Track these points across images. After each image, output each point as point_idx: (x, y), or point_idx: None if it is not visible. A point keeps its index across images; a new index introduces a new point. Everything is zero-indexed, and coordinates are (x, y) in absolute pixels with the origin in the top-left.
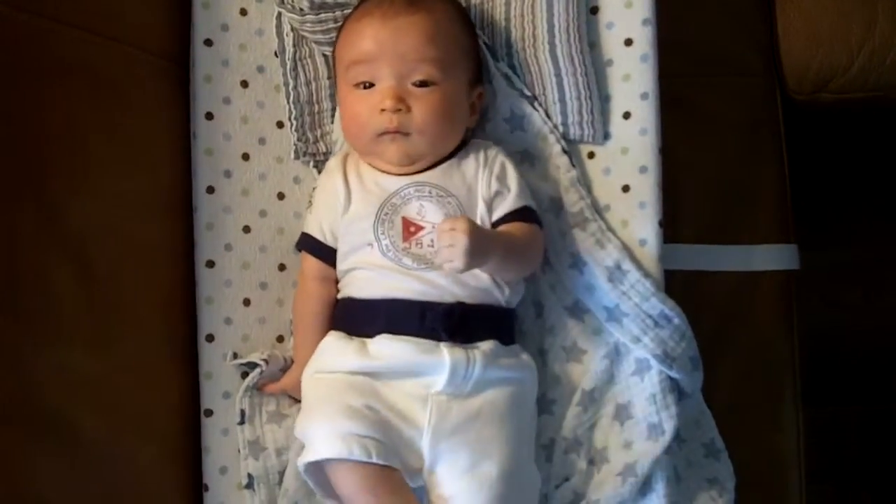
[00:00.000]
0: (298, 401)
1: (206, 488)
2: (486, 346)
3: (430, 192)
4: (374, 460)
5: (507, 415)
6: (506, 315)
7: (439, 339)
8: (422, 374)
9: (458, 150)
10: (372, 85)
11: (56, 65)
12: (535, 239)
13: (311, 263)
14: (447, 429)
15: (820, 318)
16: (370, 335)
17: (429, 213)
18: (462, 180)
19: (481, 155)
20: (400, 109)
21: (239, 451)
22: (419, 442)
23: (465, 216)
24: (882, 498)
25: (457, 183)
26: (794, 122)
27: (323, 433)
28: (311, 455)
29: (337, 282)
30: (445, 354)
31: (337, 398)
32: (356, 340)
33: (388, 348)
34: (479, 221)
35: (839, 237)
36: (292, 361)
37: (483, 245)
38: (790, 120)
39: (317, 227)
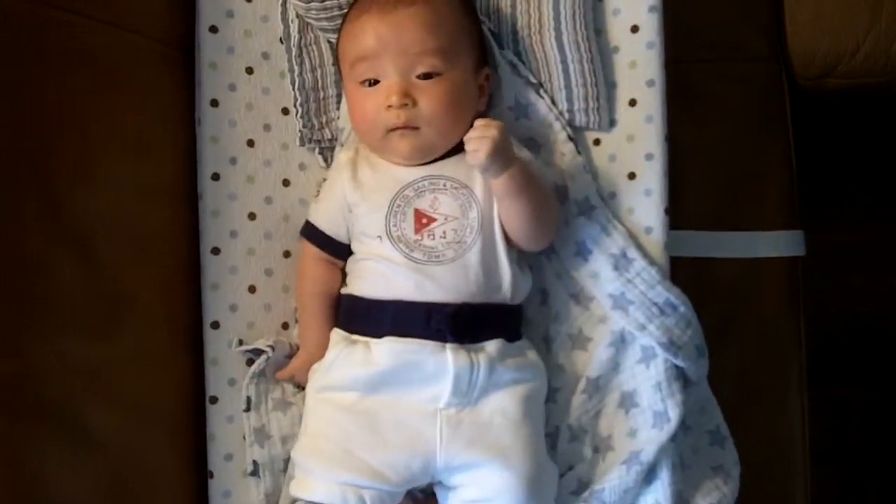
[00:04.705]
0: (304, 388)
1: (212, 475)
2: (492, 346)
3: (444, 185)
4: None
5: (521, 420)
6: (512, 312)
7: (445, 341)
8: (427, 383)
9: None
10: (377, 82)
11: (59, 53)
12: (555, 204)
13: (313, 251)
14: (461, 444)
15: (824, 301)
16: (375, 336)
17: (442, 206)
18: (477, 171)
19: None
20: (406, 104)
21: (244, 438)
22: (433, 463)
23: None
24: (887, 481)
25: (471, 174)
26: (801, 108)
27: (321, 478)
28: (306, 493)
29: (339, 267)
30: (450, 360)
31: (339, 438)
32: (360, 343)
33: (393, 351)
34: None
35: (844, 221)
36: (298, 348)
37: (509, 150)
38: (796, 105)
39: (321, 217)
